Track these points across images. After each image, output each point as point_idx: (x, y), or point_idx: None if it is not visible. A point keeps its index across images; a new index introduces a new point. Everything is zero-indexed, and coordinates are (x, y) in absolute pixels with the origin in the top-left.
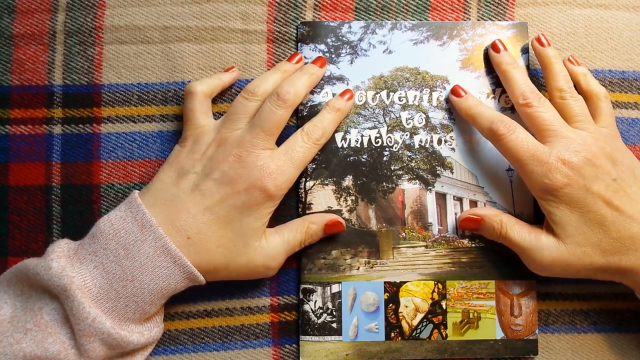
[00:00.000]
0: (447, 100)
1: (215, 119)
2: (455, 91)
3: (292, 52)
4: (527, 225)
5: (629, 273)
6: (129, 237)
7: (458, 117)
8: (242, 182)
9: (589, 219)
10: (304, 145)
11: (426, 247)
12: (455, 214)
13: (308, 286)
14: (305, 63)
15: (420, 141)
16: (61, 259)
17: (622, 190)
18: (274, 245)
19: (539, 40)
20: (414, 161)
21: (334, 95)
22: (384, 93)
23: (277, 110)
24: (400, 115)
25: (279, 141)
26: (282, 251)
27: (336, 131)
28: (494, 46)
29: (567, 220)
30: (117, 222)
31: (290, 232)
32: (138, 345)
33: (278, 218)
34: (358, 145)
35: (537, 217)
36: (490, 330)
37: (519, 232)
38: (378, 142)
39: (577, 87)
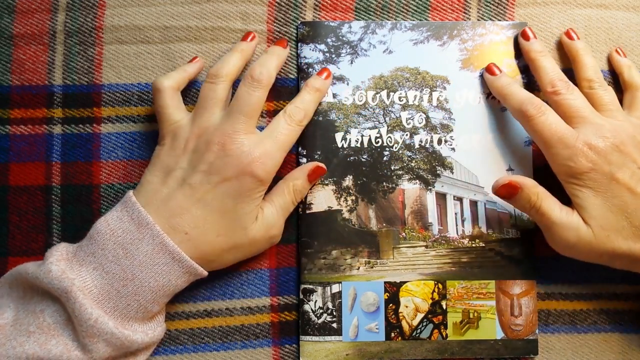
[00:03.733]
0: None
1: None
2: (489, 69)
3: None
4: (558, 202)
5: None
6: (127, 236)
7: (458, 117)
8: (231, 169)
9: (613, 205)
10: (287, 127)
11: (426, 247)
12: (456, 213)
13: (308, 286)
14: (306, 64)
15: (421, 141)
16: (60, 262)
17: None
18: (269, 216)
19: (568, 34)
20: (414, 161)
21: (334, 95)
22: (384, 93)
23: (253, 92)
24: (400, 115)
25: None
26: (279, 217)
27: (336, 131)
28: (523, 34)
29: (591, 204)
30: (114, 222)
31: (279, 197)
32: (142, 344)
33: None
34: (358, 145)
35: None
36: (490, 330)
37: (552, 206)
38: (378, 142)
39: (620, 78)
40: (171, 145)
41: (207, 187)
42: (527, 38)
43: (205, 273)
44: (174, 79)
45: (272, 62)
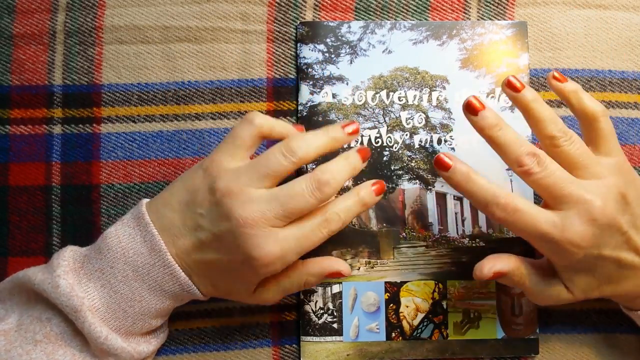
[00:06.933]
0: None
1: None
2: (438, 162)
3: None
4: (539, 270)
5: (621, 297)
6: (138, 259)
7: (458, 117)
8: (240, 254)
9: (599, 274)
10: (318, 233)
11: (427, 246)
12: (456, 213)
13: None
14: (306, 64)
15: (420, 141)
16: (68, 275)
17: (631, 240)
18: (268, 292)
19: (510, 85)
20: (414, 161)
21: (333, 95)
22: (383, 93)
23: (309, 198)
24: (400, 115)
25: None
26: (278, 297)
27: None
28: (469, 107)
29: (578, 279)
30: (126, 239)
31: (287, 282)
32: (148, 353)
33: None
34: (358, 145)
35: None
36: (491, 329)
37: (534, 281)
38: (378, 142)
39: (569, 107)
40: (211, 182)
41: (213, 256)
42: (475, 112)
43: (206, 299)
44: (269, 124)
45: (343, 175)
